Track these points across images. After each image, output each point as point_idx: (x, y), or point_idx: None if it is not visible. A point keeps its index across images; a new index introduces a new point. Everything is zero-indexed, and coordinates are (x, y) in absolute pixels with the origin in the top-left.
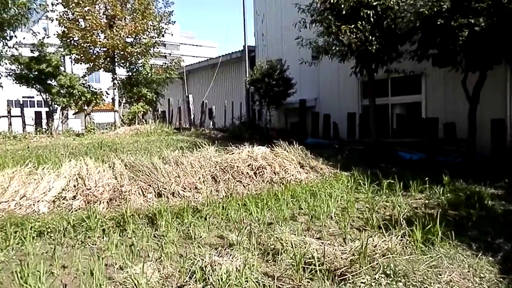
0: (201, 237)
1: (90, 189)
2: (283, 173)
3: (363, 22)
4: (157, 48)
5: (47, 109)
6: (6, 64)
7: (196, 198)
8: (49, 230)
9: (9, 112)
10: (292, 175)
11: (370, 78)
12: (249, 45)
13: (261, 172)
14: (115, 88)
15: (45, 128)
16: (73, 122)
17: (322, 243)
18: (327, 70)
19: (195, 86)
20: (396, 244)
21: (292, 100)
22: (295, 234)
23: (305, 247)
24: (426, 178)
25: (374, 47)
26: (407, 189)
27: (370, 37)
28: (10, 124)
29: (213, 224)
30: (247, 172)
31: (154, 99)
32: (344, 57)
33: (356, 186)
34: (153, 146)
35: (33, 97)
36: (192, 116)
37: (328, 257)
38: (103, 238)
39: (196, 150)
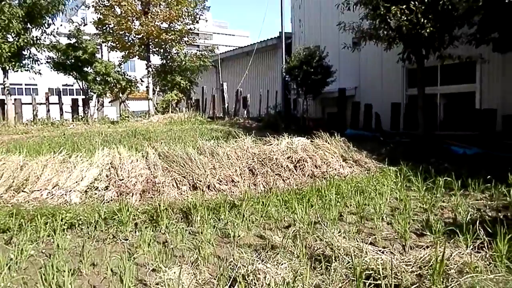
0: (239, 236)
1: (122, 179)
2: (325, 167)
3: (416, 3)
4: (191, 35)
5: (83, 96)
6: (45, 51)
7: (233, 192)
8: (80, 223)
9: (47, 99)
10: (335, 169)
11: (419, 65)
12: (285, 32)
13: (301, 165)
14: (149, 76)
15: (81, 116)
16: (109, 109)
17: (380, 250)
18: (369, 57)
19: (229, 74)
20: (475, 258)
21: (331, 89)
22: (345, 238)
23: (361, 255)
24: (488, 176)
25: (427, 31)
26: (465, 188)
27: (423, 20)
28: (48, 111)
29: (252, 221)
30: (287, 165)
31: (188, 87)
32: (391, 42)
33: (405, 183)
34: (186, 135)
35: (72, 85)
36: (226, 105)
37: (390, 269)
38: (135, 232)
39: (231, 140)
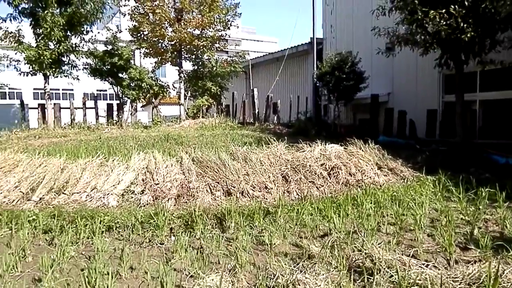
0: (274, 244)
1: (158, 184)
2: (360, 175)
3: (456, 7)
4: (222, 42)
5: (118, 101)
6: (83, 58)
7: (266, 199)
8: (117, 226)
9: (84, 104)
10: (370, 177)
11: (458, 70)
12: (316, 38)
13: (335, 172)
14: (181, 82)
15: (115, 120)
16: (141, 114)
17: (423, 264)
18: (403, 63)
19: (259, 80)
20: None
21: (363, 95)
22: (385, 250)
23: (404, 268)
24: None
25: (467, 35)
26: (510, 200)
27: (463, 24)
28: (84, 115)
29: (287, 229)
30: (320, 172)
31: (218, 93)
32: (428, 47)
33: (445, 193)
34: (218, 141)
35: (105, 90)
36: (256, 111)
37: (437, 286)
38: (170, 237)
39: (262, 145)
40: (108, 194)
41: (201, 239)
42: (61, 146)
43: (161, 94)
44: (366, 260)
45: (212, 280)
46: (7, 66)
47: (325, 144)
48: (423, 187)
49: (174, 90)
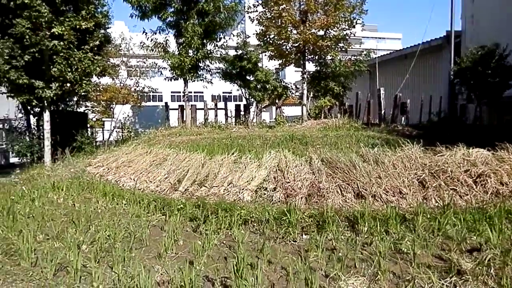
0: (414, 253)
1: (289, 182)
2: None
3: None
4: (346, 41)
5: (244, 102)
6: (215, 63)
7: (400, 205)
8: (253, 220)
9: (215, 105)
10: None
11: None
12: (452, 30)
13: (482, 180)
14: (303, 82)
15: (242, 120)
16: (263, 115)
17: None
18: None
19: (385, 78)
20: None
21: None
22: None
23: None
24: None
25: None
26: None
27: None
28: (216, 115)
29: (426, 239)
30: (464, 180)
31: (341, 93)
32: None
33: None
34: (342, 142)
35: (230, 93)
36: (382, 111)
37: None
38: (302, 235)
39: (391, 148)
40: (243, 189)
41: (333, 240)
42: (198, 143)
43: (285, 95)
44: None
45: (353, 284)
46: (155, 72)
47: (467, 148)
48: None
49: (297, 91)
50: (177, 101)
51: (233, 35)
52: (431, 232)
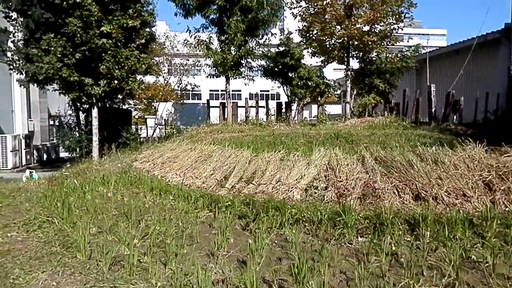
0: (486, 263)
1: (341, 181)
2: None
3: None
4: (393, 36)
5: (282, 100)
6: (257, 60)
7: (465, 208)
8: (304, 219)
9: (257, 103)
10: None
11: None
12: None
13: None
14: (347, 80)
15: (283, 118)
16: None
17: None
18: None
19: (435, 75)
20: None
21: None
22: None
23: None
24: None
25: None
26: None
27: None
28: (257, 113)
29: (499, 248)
30: None
31: (387, 91)
32: None
33: None
34: (391, 140)
35: (268, 91)
36: (433, 109)
37: None
38: (357, 238)
39: (445, 147)
40: (292, 187)
41: (392, 244)
42: (241, 140)
43: (327, 93)
44: None
45: None
46: (198, 70)
47: None
48: None
49: (339, 88)
50: (215, 99)
51: (272, 34)
52: (503, 239)
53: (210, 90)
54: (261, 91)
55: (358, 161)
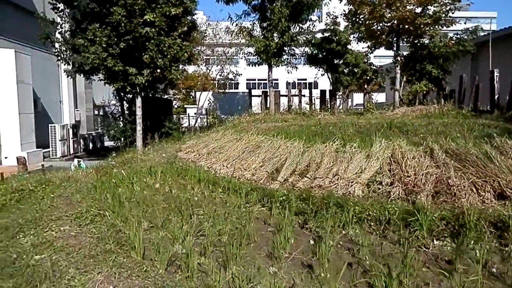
0: None
1: (409, 176)
2: None
3: None
4: (449, 17)
5: (325, 88)
6: (301, 46)
7: None
8: (369, 218)
9: (300, 91)
10: None
11: None
12: None
13: None
14: (397, 66)
15: (327, 107)
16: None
17: None
18: None
19: (497, 59)
20: None
21: None
22: None
23: None
24: None
25: None
26: None
27: None
28: (300, 102)
29: None
30: None
31: (440, 77)
32: None
33: None
34: (451, 130)
35: (305, 79)
36: (496, 96)
37: None
38: (432, 241)
39: None
40: (352, 182)
41: (475, 249)
42: (286, 130)
43: (374, 80)
44: None
45: None
46: (240, 58)
47: None
48: None
49: (387, 75)
50: (253, 88)
51: (316, 19)
52: None
53: (247, 80)
54: (298, 79)
55: (425, 154)
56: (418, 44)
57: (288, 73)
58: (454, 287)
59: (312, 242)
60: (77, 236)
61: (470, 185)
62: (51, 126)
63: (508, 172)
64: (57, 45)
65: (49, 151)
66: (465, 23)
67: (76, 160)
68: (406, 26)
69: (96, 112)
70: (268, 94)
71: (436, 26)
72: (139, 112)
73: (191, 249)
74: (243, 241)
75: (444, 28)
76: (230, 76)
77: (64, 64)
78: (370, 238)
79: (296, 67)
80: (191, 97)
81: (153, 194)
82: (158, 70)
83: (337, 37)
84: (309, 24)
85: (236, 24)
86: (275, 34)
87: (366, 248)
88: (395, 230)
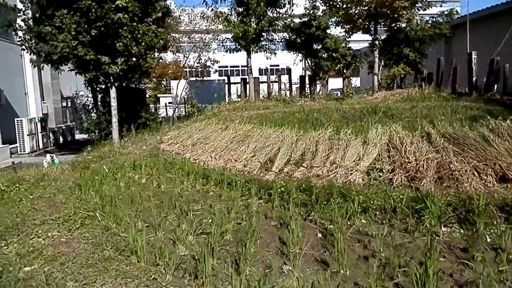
0: None
1: (410, 162)
2: None
3: None
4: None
5: (300, 74)
6: (279, 32)
7: None
8: (373, 207)
9: (279, 77)
10: None
11: None
12: None
13: None
14: (375, 50)
15: (306, 92)
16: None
17: None
18: None
19: (464, 42)
20: None
21: None
22: None
23: None
24: None
25: None
26: None
27: None
28: (279, 88)
29: None
30: None
31: (417, 60)
32: None
33: None
34: (436, 114)
35: (278, 65)
36: (474, 78)
37: None
38: (440, 227)
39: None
40: (351, 170)
41: (485, 235)
42: (269, 117)
43: (354, 64)
44: None
45: None
46: (218, 45)
47: None
48: None
49: (366, 59)
50: (224, 75)
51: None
52: None
53: (219, 67)
54: (271, 66)
55: (422, 138)
56: (395, 27)
57: (267, 59)
58: (478, 278)
59: (319, 235)
60: (68, 243)
61: (472, 169)
62: (17, 120)
63: (507, 154)
64: (20, 33)
65: (17, 146)
66: (440, 6)
67: (48, 155)
68: (384, 10)
69: (64, 104)
70: (248, 81)
71: (413, 10)
72: (114, 103)
73: (202, 253)
74: (248, 238)
75: (421, 11)
76: (208, 63)
77: (29, 54)
78: (379, 228)
79: (275, 53)
80: (163, 85)
81: (141, 190)
82: (133, 59)
83: (316, 22)
84: (287, 8)
85: (212, 9)
86: (252, 19)
87: (379, 239)
88: (402, 218)
